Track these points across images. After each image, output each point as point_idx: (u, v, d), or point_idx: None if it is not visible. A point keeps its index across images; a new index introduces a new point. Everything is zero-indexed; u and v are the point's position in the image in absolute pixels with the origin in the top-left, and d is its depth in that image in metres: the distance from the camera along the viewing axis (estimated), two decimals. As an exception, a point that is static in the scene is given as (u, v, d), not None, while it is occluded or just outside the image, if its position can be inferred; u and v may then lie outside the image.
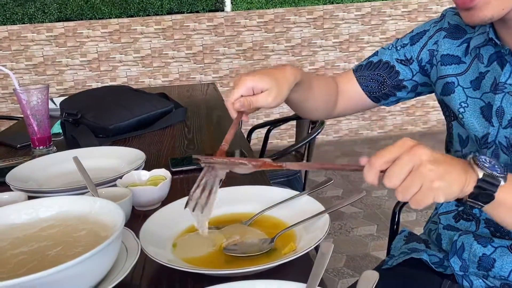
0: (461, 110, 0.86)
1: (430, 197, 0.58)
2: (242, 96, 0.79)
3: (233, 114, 0.80)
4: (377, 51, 1.02)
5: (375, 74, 0.99)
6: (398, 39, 0.99)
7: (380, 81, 0.98)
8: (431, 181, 0.57)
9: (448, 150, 0.95)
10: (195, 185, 0.65)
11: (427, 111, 4.22)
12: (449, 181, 0.58)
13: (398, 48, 0.97)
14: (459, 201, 0.63)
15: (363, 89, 1.00)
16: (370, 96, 1.01)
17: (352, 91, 1.02)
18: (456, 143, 0.91)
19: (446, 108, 0.92)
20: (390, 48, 0.99)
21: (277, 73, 0.83)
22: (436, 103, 4.21)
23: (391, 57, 0.97)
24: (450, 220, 0.91)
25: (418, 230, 1.06)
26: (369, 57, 1.02)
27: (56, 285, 0.52)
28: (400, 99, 1.01)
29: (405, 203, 1.14)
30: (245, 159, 0.63)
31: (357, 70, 1.02)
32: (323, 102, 1.00)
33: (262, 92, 0.79)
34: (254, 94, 0.79)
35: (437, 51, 0.91)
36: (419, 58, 0.94)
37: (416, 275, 0.91)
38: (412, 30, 0.98)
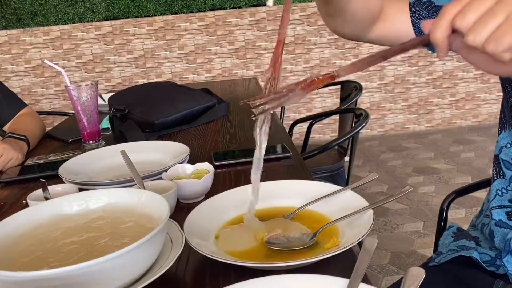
0: None
1: None
2: None
3: None
4: None
5: (433, 17, 0.85)
6: None
7: None
8: None
9: None
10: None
11: (478, 104, 4.05)
12: None
13: None
14: None
15: (414, 29, 0.89)
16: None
17: (400, 24, 0.90)
18: None
19: (511, 90, 0.81)
20: None
21: None
22: (488, 96, 4.03)
23: None
24: (503, 215, 0.86)
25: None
26: None
27: (104, 273, 0.54)
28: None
29: (453, 199, 1.10)
30: (292, 85, 0.57)
31: (414, 5, 0.89)
32: (355, 20, 0.88)
33: None
34: None
35: None
36: None
37: (465, 273, 0.87)
38: None
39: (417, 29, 0.90)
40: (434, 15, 0.87)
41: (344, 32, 0.95)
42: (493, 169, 0.90)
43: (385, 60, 0.53)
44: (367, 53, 3.93)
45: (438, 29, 0.46)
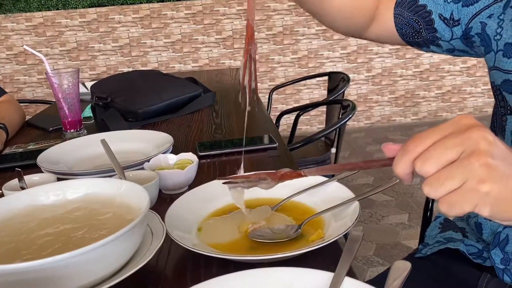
0: None
1: (470, 202, 0.42)
2: None
3: None
4: None
5: (414, 19, 0.85)
6: None
7: (417, 29, 0.86)
8: (481, 180, 0.41)
9: None
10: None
11: (464, 97, 4.07)
12: (507, 193, 0.42)
13: (449, 0, 0.81)
14: None
15: (397, 30, 0.89)
16: (403, 39, 0.90)
17: (387, 24, 0.90)
18: (508, 141, 0.79)
19: (502, 100, 0.79)
20: None
21: None
22: (474, 89, 4.04)
23: (435, 8, 0.82)
24: None
25: (453, 220, 1.02)
26: None
27: (80, 267, 0.52)
28: (434, 52, 0.90)
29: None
30: (263, 174, 0.61)
31: (398, 4, 0.88)
32: (344, 18, 0.89)
33: None
34: None
35: (499, 35, 0.73)
36: (469, 26, 0.78)
37: (452, 266, 0.86)
38: None
39: (400, 31, 0.90)
40: (415, 16, 0.86)
41: (339, 30, 0.95)
42: None
43: (351, 171, 0.54)
44: (355, 45, 3.92)
45: (400, 167, 0.45)
